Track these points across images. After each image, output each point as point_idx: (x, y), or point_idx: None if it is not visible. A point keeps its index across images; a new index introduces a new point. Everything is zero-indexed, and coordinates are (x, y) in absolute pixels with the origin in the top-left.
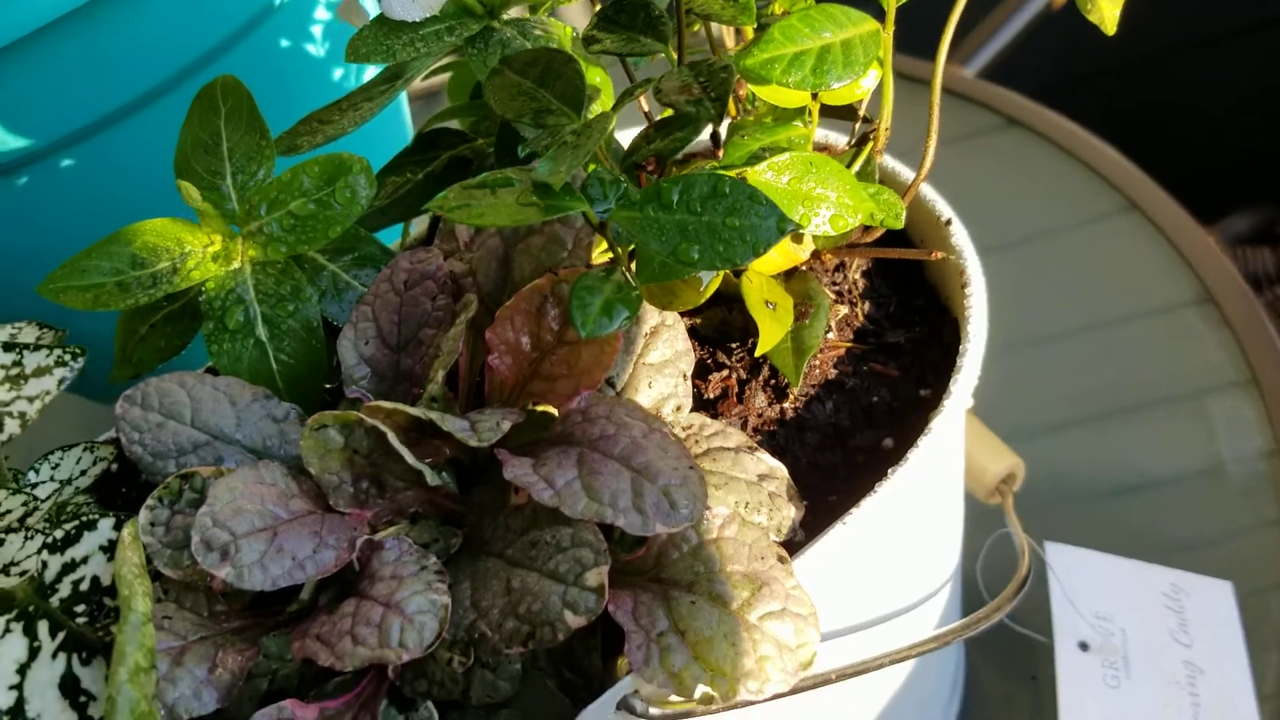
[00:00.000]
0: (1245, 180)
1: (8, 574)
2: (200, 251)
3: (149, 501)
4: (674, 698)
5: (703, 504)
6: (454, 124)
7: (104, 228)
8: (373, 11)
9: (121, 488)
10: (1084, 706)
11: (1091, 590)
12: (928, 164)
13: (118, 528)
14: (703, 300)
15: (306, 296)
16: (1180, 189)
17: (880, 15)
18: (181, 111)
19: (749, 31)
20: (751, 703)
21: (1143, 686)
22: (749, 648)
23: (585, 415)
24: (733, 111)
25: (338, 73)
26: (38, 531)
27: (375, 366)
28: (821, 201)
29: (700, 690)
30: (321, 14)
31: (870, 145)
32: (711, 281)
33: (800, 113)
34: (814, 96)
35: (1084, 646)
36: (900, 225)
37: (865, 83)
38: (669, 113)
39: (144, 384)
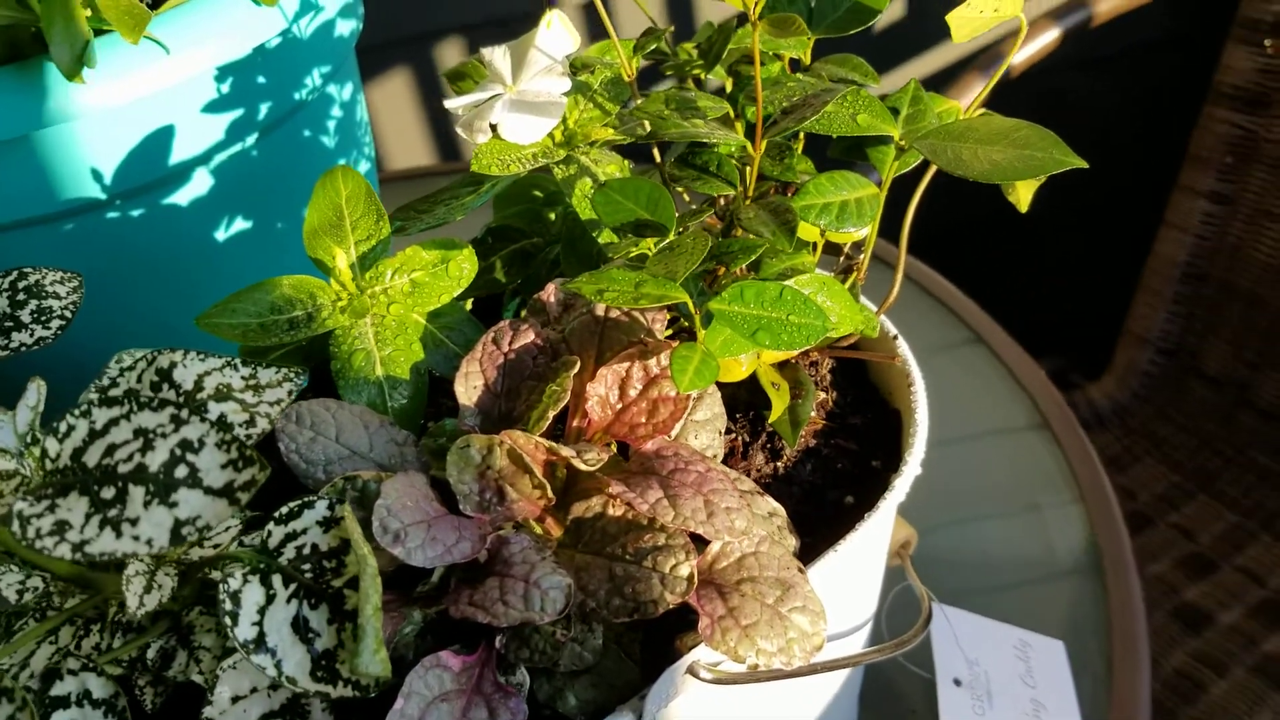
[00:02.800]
0: (1040, 334)
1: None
2: (330, 305)
3: (321, 512)
4: (726, 667)
5: (754, 524)
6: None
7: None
8: (484, 135)
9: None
10: None
11: (962, 640)
12: (893, 295)
13: (331, 508)
14: (745, 375)
15: (416, 349)
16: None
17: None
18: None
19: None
20: (781, 674)
21: (1002, 715)
22: (782, 631)
23: (658, 454)
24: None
25: (340, 162)
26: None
27: (481, 408)
28: (830, 312)
29: (749, 661)
30: (337, 111)
31: (854, 275)
32: (750, 361)
33: (808, 245)
34: (822, 234)
35: (957, 682)
36: (875, 335)
37: (862, 231)
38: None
39: (298, 405)
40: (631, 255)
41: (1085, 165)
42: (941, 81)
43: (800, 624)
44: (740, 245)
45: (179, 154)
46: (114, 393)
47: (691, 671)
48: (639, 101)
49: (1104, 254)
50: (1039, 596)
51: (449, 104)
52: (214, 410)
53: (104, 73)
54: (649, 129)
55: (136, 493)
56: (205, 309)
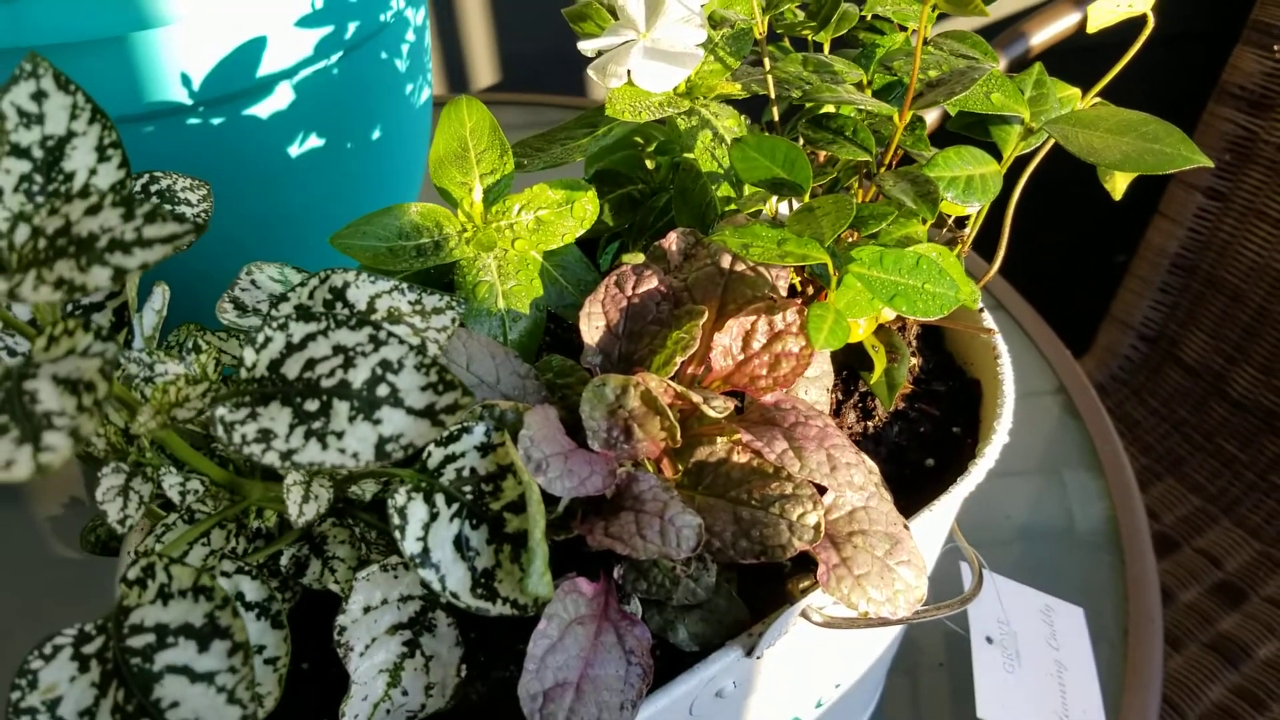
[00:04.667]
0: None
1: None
2: (456, 235)
3: (479, 438)
4: (835, 613)
5: (872, 479)
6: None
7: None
8: (617, 80)
9: None
10: (992, 683)
11: (993, 601)
12: (993, 270)
13: (487, 434)
14: (862, 338)
15: (536, 285)
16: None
17: None
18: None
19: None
20: (886, 621)
21: (1029, 674)
22: (890, 583)
23: (777, 407)
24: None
25: (408, 88)
26: None
27: (601, 348)
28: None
29: (861, 608)
30: (411, 36)
31: (960, 247)
32: (869, 324)
33: (918, 216)
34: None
35: (989, 640)
36: (975, 307)
37: (974, 206)
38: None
39: None
40: (749, 210)
41: (1211, 164)
42: None
43: (906, 576)
44: (876, 211)
45: (266, 67)
46: (284, 307)
47: (805, 614)
48: (777, 63)
49: (1097, 239)
50: (1061, 563)
51: (583, 45)
52: None
53: None
54: (777, 89)
55: (341, 408)
56: (271, 222)
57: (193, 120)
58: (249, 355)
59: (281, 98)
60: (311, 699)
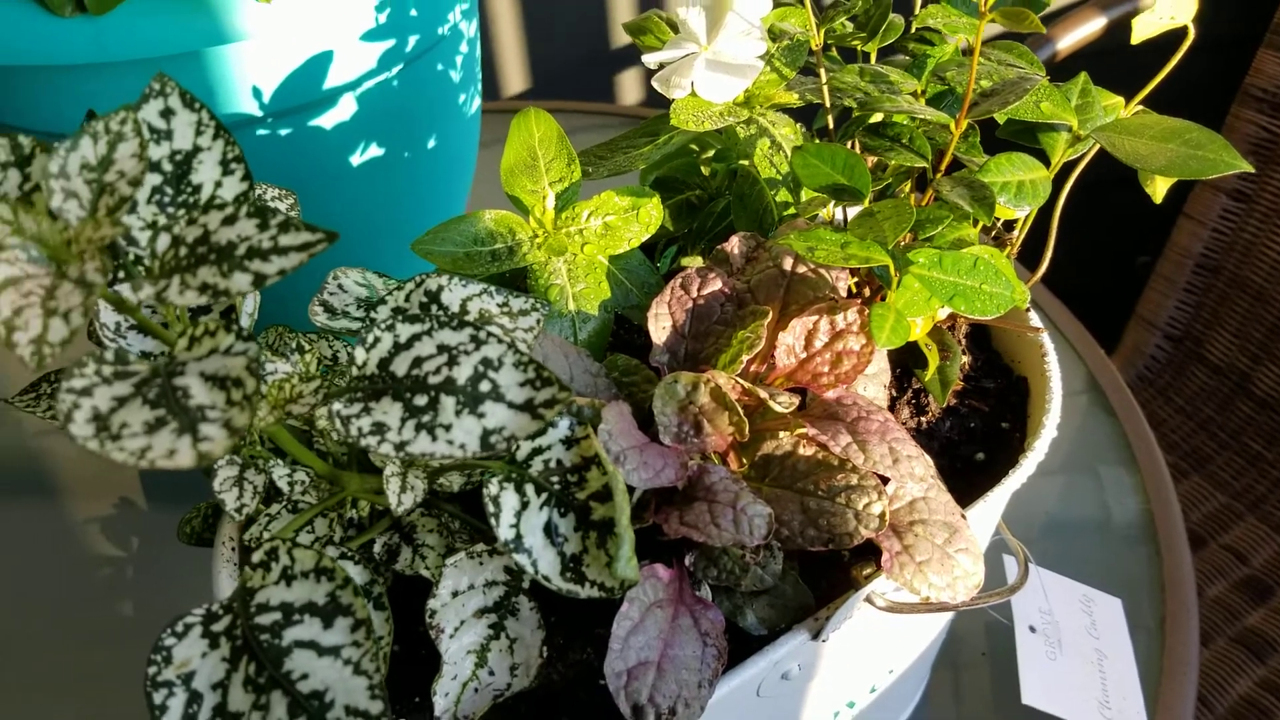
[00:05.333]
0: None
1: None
2: (528, 241)
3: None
4: (897, 598)
5: (932, 473)
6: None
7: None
8: (682, 91)
9: None
10: (1036, 670)
11: (1036, 591)
12: (1041, 270)
13: (571, 428)
14: (918, 337)
15: (604, 287)
16: None
17: None
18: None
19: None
20: (945, 606)
21: (1071, 662)
22: (950, 569)
23: (839, 402)
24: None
25: (461, 97)
26: None
27: (668, 347)
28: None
29: (923, 594)
30: (464, 47)
31: (1009, 249)
32: (925, 323)
33: (969, 219)
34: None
35: (1032, 629)
36: (1025, 306)
37: (1023, 210)
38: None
39: None
40: (807, 215)
41: (1252, 169)
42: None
43: (964, 563)
44: (932, 215)
45: (332, 80)
46: (384, 310)
47: (869, 599)
48: (833, 73)
49: (1123, 240)
50: (1099, 556)
51: (648, 59)
52: None
53: None
54: (832, 98)
55: (448, 402)
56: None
57: (262, 131)
58: (360, 354)
59: (345, 108)
60: (403, 680)
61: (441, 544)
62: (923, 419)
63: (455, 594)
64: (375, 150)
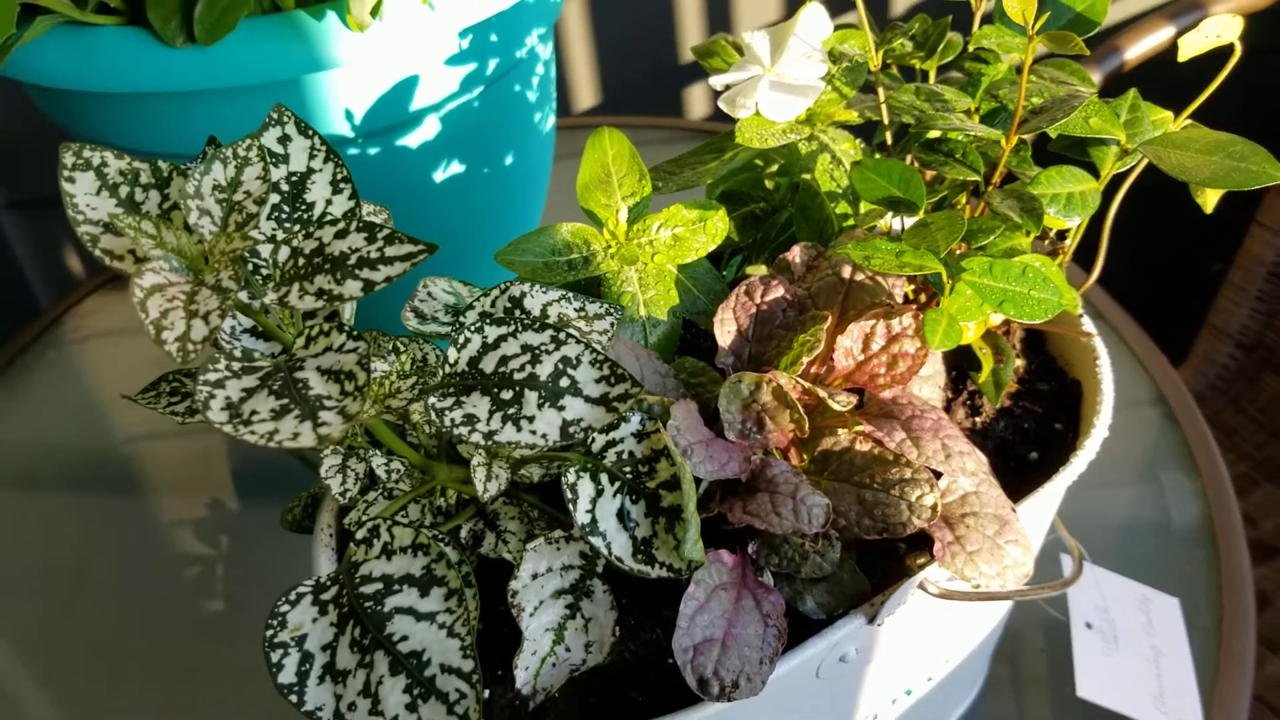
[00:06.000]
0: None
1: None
2: (602, 252)
3: (636, 425)
4: (949, 586)
5: (984, 469)
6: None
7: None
8: (746, 111)
9: None
10: (1091, 664)
11: (1093, 589)
12: (1093, 277)
13: (642, 423)
14: (967, 341)
15: (673, 294)
16: None
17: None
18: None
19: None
20: (996, 595)
21: (1127, 658)
22: (1000, 559)
23: (894, 402)
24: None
25: (537, 116)
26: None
27: (733, 350)
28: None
29: (974, 581)
30: (540, 69)
31: (1061, 257)
32: (979, 327)
33: (1021, 229)
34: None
35: (1089, 625)
36: (1076, 312)
37: (1073, 221)
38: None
39: None
40: (866, 226)
41: None
42: None
43: (1014, 554)
44: (984, 225)
45: (417, 102)
46: (471, 314)
47: (922, 586)
48: (891, 92)
49: (1195, 248)
50: (1156, 557)
51: (714, 80)
52: None
53: (378, 26)
54: (890, 115)
55: (531, 397)
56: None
57: (354, 150)
58: (452, 354)
59: (430, 129)
60: (487, 656)
61: (522, 530)
62: (977, 419)
63: (535, 576)
64: (457, 167)
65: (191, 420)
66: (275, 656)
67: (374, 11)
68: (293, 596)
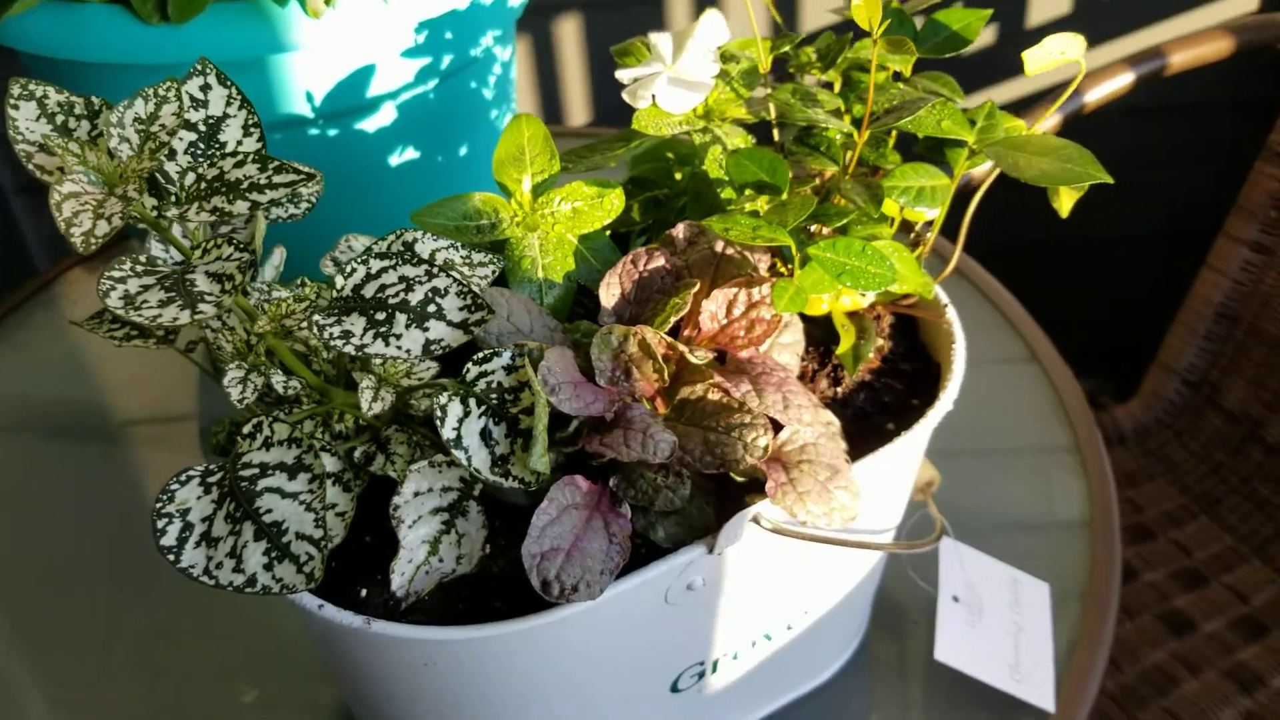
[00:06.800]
0: (1082, 356)
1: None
2: (509, 219)
3: (506, 360)
4: (783, 523)
5: (821, 420)
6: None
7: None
8: (645, 102)
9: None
10: (952, 632)
11: (965, 567)
12: (949, 269)
13: (513, 359)
14: (821, 313)
15: (570, 261)
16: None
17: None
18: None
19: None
20: (823, 538)
21: (988, 630)
22: (828, 500)
23: (749, 361)
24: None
25: (494, 112)
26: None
27: (615, 311)
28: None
29: (800, 518)
30: (497, 69)
31: (921, 248)
32: (830, 302)
33: (888, 220)
34: (900, 211)
35: (955, 599)
36: (931, 298)
37: (931, 213)
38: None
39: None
40: (747, 209)
41: (1111, 180)
42: (1022, 107)
43: (842, 499)
44: (836, 210)
45: (374, 89)
46: (365, 249)
47: (755, 520)
48: (770, 90)
49: (1149, 288)
50: (1037, 548)
51: (620, 74)
52: None
53: (335, 14)
54: (777, 113)
55: (400, 318)
56: (372, 215)
57: (313, 130)
58: (339, 280)
59: (386, 115)
60: (372, 563)
61: (410, 454)
62: (838, 390)
63: (416, 494)
64: (412, 153)
65: (128, 344)
66: (160, 524)
67: (328, 0)
68: (183, 478)
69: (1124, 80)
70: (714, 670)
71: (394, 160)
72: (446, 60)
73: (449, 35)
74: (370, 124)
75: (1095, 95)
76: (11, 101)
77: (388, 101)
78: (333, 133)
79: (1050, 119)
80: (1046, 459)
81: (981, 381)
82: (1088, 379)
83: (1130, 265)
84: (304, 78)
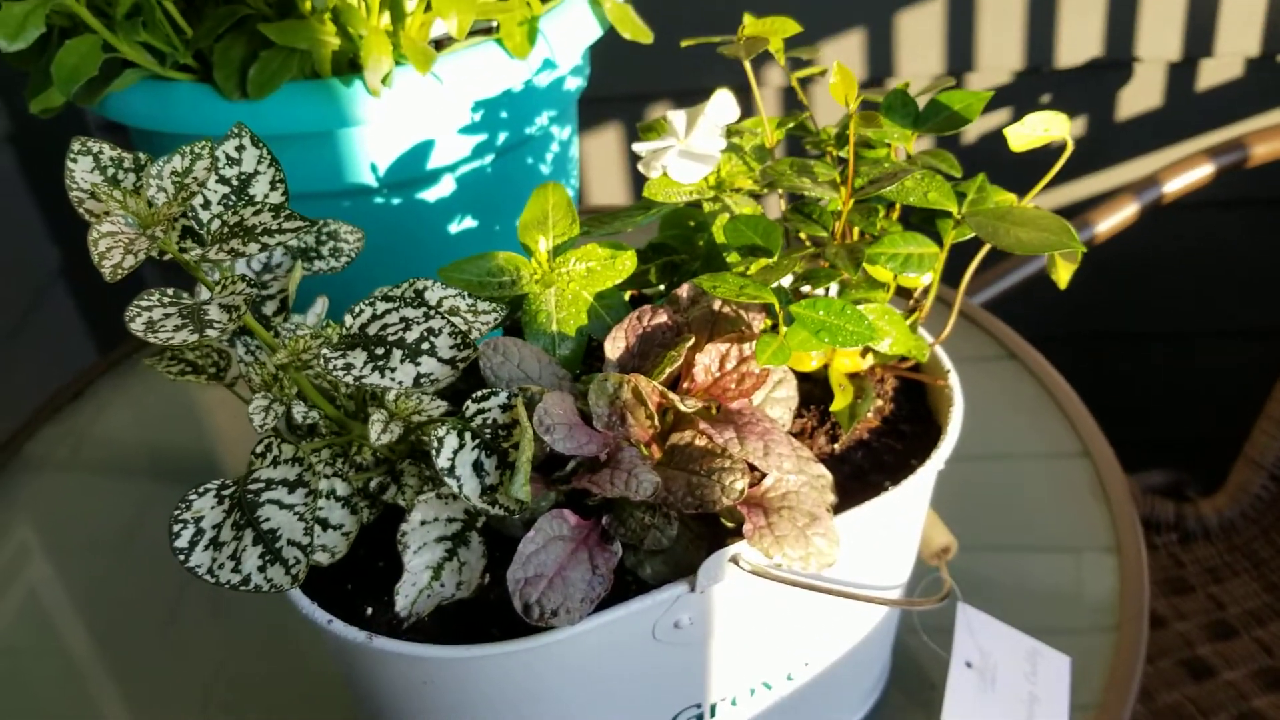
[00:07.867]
0: (1167, 448)
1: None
2: (528, 277)
3: (502, 400)
4: (765, 566)
5: (811, 471)
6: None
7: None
8: (657, 172)
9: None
10: (961, 699)
11: (981, 634)
12: (947, 330)
13: (509, 398)
14: (810, 369)
15: (582, 317)
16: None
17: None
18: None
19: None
20: (800, 583)
21: (1001, 700)
22: (805, 545)
23: (738, 411)
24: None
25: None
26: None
27: (619, 362)
28: (887, 334)
29: (776, 560)
30: (555, 147)
31: (917, 314)
32: (820, 358)
33: (883, 286)
34: (895, 278)
35: (968, 664)
36: (924, 360)
37: (924, 279)
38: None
39: (495, 340)
40: (749, 271)
41: (1084, 249)
42: (1096, 202)
43: (819, 544)
44: (825, 272)
45: (434, 162)
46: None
47: (734, 560)
48: (770, 164)
49: (1235, 381)
50: (1056, 617)
51: (636, 147)
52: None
53: (393, 93)
54: (766, 180)
55: (396, 354)
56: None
57: (378, 199)
58: (348, 320)
59: (445, 186)
60: (384, 586)
61: (419, 486)
62: (835, 446)
63: (423, 522)
64: (470, 222)
65: (181, 379)
66: (176, 529)
67: (385, 80)
68: (201, 490)
69: (1204, 171)
70: (713, 715)
71: (453, 228)
72: (502, 137)
73: (504, 114)
74: (431, 194)
75: (1174, 186)
76: (71, 156)
77: (447, 174)
78: (396, 201)
79: (1127, 209)
80: (1084, 556)
81: (1027, 474)
82: (1174, 470)
83: (1220, 358)
84: (369, 150)
